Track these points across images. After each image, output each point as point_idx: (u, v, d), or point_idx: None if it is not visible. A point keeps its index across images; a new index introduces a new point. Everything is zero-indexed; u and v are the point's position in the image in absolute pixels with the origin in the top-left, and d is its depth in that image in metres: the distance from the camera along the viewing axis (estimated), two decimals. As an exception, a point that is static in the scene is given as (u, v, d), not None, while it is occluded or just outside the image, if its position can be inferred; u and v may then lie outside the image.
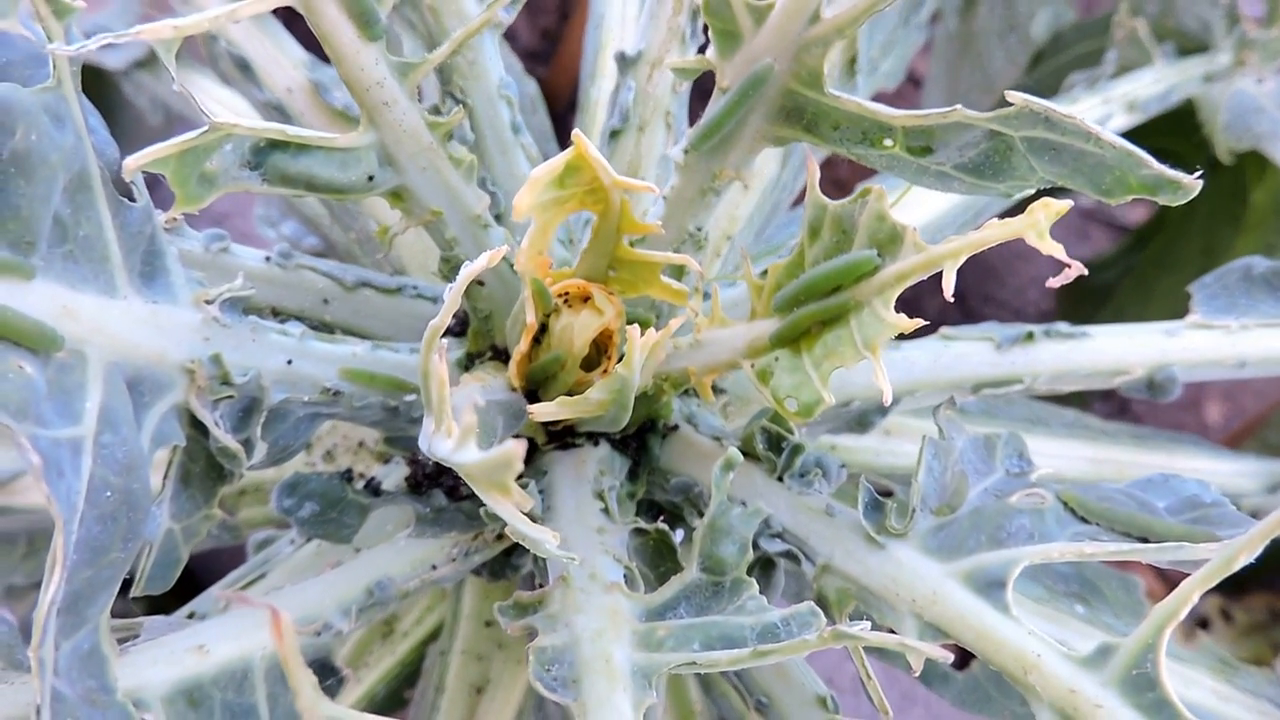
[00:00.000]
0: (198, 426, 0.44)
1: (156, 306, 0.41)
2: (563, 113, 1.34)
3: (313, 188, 0.43)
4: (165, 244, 0.43)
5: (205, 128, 0.39)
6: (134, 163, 0.38)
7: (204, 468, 0.46)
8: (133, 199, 0.42)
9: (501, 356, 0.59)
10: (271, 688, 0.43)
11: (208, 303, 0.43)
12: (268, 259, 0.56)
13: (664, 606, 0.42)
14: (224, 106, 0.89)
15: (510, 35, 1.43)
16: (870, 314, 0.40)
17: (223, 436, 0.42)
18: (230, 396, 0.43)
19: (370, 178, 0.45)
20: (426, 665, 0.77)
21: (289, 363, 0.47)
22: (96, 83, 0.97)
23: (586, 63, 0.83)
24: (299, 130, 0.42)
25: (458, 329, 0.62)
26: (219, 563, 0.93)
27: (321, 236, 1.02)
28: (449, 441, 0.30)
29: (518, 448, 0.27)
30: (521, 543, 0.37)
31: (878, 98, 0.87)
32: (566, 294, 0.50)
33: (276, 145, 0.42)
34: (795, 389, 0.42)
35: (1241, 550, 0.31)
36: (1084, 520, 0.40)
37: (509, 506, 0.32)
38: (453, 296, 0.35)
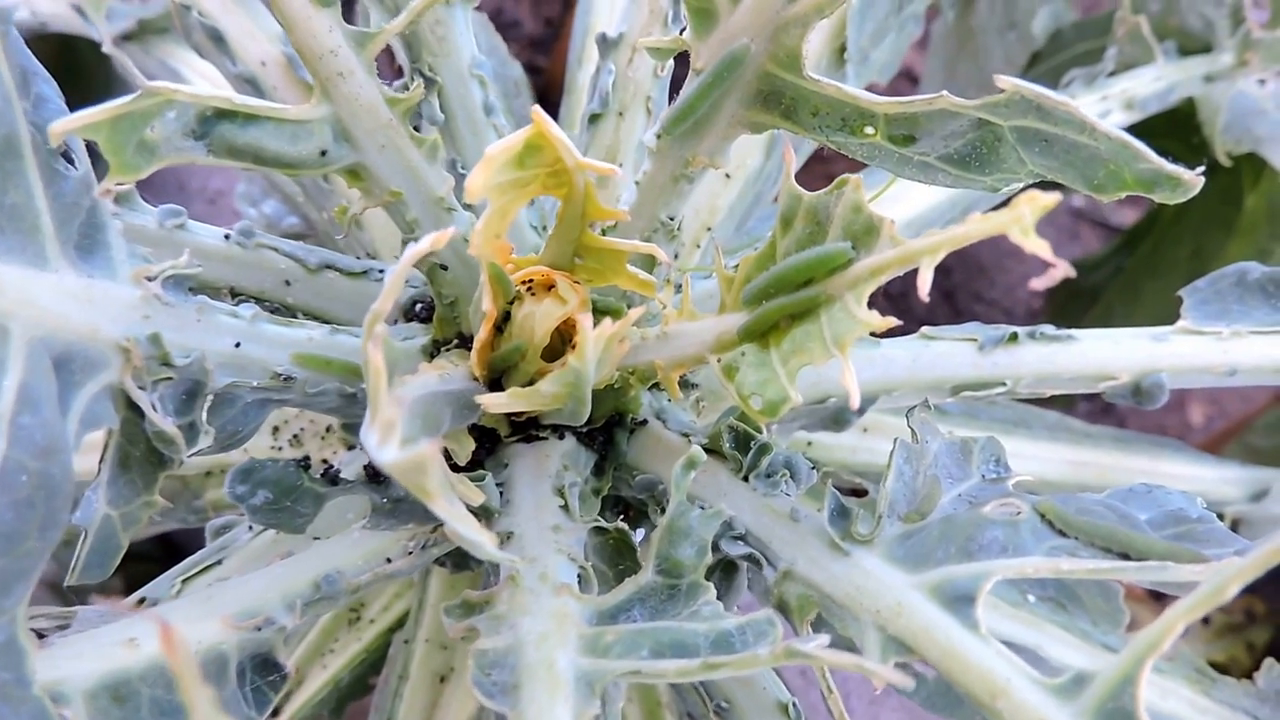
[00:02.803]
0: (137, 409, 0.42)
1: (91, 281, 0.39)
2: (561, 101, 1.32)
3: (260, 160, 0.41)
4: (107, 217, 0.41)
5: (139, 93, 0.37)
6: (60, 127, 0.35)
7: (144, 452, 0.44)
8: (75, 167, 0.40)
9: (468, 344, 0.57)
10: (205, 684, 0.42)
11: (150, 279, 0.41)
12: (227, 237, 0.54)
13: (616, 609, 0.40)
14: (207, 80, 0.87)
15: (513, 23, 1.42)
16: (842, 310, 0.38)
17: (158, 420, 0.40)
18: (169, 378, 0.41)
19: (323, 153, 0.43)
20: (391, 653, 0.76)
21: (237, 345, 0.45)
22: (90, 55, 0.95)
23: (574, 46, 0.81)
24: (246, 99, 0.40)
25: (424, 315, 0.60)
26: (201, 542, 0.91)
27: (302, 216, 0.99)
28: (375, 436, 0.28)
29: (433, 449, 0.25)
30: (458, 543, 0.35)
31: (870, 90, 0.85)
32: (531, 281, 0.48)
33: (224, 115, 0.40)
34: (761, 386, 0.40)
35: (1233, 580, 0.29)
36: (1061, 533, 0.38)
37: (444, 505, 0.30)
38: (393, 280, 0.33)
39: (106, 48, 0.36)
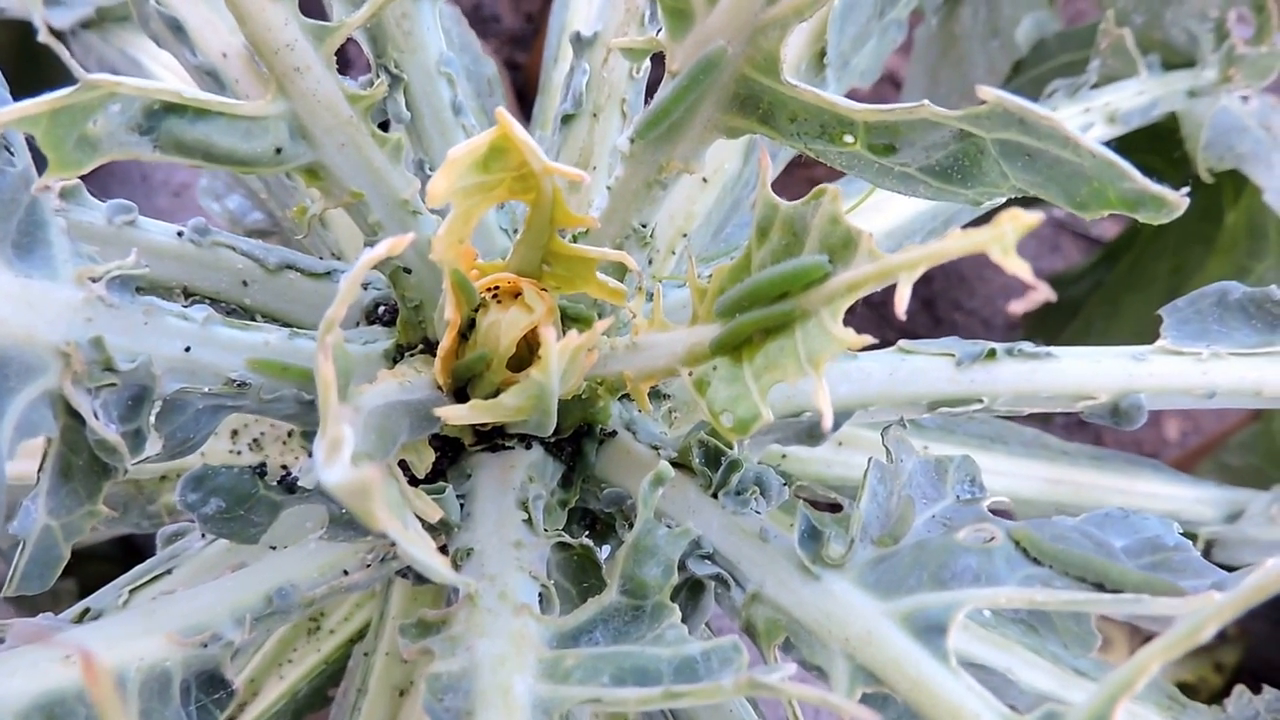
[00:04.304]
0: (79, 416, 0.40)
1: (29, 281, 0.37)
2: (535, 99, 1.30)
3: (211, 157, 0.39)
4: (48, 214, 0.39)
5: (79, 85, 0.35)
6: (-7, 120, 0.33)
7: (88, 460, 0.42)
8: (14, 160, 0.38)
9: (433, 349, 0.55)
10: (146, 703, 0.40)
11: (94, 280, 0.39)
12: (180, 235, 0.52)
13: (578, 631, 0.39)
14: (170, 71, 0.85)
15: (493, 18, 1.39)
16: (817, 326, 0.36)
17: (99, 427, 0.38)
18: (113, 384, 0.39)
19: (278, 150, 0.41)
20: (351, 665, 0.74)
21: (187, 350, 0.43)
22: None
23: (550, 44, 0.79)
24: (196, 93, 0.38)
25: (387, 318, 0.58)
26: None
27: (267, 213, 0.97)
28: (321, 453, 0.26)
29: (378, 473, 0.24)
30: (412, 565, 0.33)
31: (852, 96, 0.84)
32: (497, 288, 0.47)
33: (173, 109, 0.38)
34: (732, 402, 0.39)
35: (1210, 621, 0.28)
36: (1036, 561, 0.37)
37: (394, 527, 0.28)
38: (346, 289, 0.31)
39: (42, 37, 0.34)
